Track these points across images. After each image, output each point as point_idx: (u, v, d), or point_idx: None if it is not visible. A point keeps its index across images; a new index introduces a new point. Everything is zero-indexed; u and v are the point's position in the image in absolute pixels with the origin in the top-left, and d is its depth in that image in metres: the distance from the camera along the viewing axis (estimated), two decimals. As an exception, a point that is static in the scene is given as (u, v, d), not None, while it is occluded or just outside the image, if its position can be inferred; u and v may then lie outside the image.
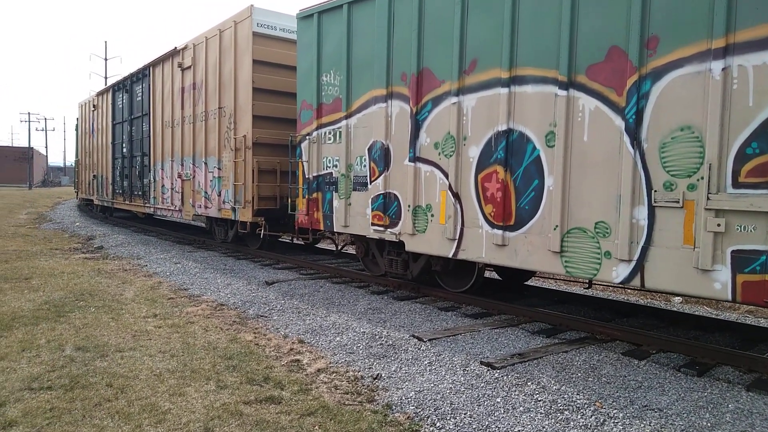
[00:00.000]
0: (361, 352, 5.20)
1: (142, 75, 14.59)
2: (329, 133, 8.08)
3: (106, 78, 50.96)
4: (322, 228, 8.35)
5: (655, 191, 4.71)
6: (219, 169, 10.86)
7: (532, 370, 4.59)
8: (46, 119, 73.98)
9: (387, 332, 5.69)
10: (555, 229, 5.36)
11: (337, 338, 5.63)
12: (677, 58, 4.62)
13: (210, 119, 11.13)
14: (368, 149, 7.45)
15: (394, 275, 7.78)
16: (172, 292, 7.79)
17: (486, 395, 4.12)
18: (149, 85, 14.06)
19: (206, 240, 13.03)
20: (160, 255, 11.08)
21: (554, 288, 8.25)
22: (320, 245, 12.40)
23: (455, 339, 5.48)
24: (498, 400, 4.04)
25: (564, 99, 5.28)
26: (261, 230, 9.97)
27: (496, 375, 4.49)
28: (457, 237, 6.32)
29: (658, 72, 4.72)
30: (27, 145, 65.48)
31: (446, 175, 6.41)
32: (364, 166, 7.53)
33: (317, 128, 8.25)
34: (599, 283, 7.11)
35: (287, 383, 4.41)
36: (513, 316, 6.41)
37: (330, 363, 4.95)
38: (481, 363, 4.76)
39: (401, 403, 4.06)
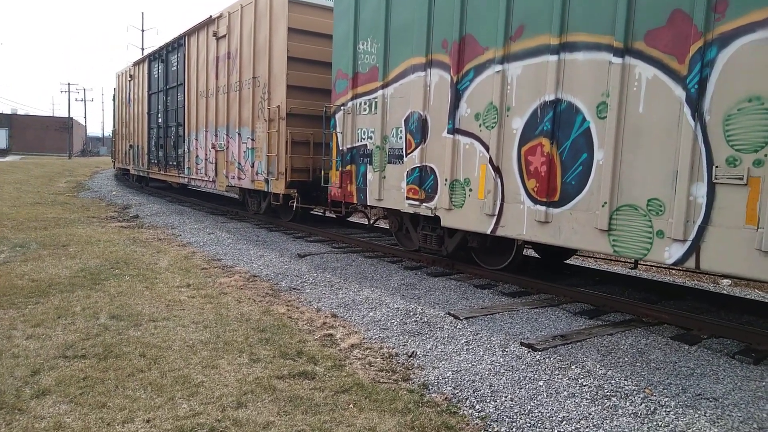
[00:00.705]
0: (395, 328, 5.06)
1: (177, 45, 14.53)
2: (365, 103, 7.85)
3: (142, 49, 51.55)
4: (355, 201, 8.19)
5: (717, 167, 4.35)
6: (252, 140, 10.77)
7: (575, 353, 4.37)
8: (85, 90, 75.69)
9: (421, 309, 5.52)
10: (603, 205, 5.06)
11: (371, 313, 5.50)
12: (748, 23, 4.20)
13: (244, 89, 11.00)
14: (405, 120, 7.20)
15: (429, 251, 7.59)
16: (206, 263, 7.79)
17: (527, 378, 3.93)
18: (184, 54, 13.99)
19: (239, 211, 13.05)
20: (194, 225, 11.13)
21: (595, 267, 7.94)
22: (351, 219, 12.27)
23: (493, 318, 5.28)
24: (540, 383, 3.84)
25: (619, 67, 4.91)
26: (294, 202, 9.87)
27: (538, 357, 4.29)
28: (497, 213, 6.07)
29: (726, 38, 4.31)
30: (67, 116, 67.09)
31: (487, 148, 6.13)
32: (400, 138, 7.29)
33: (352, 98, 8.02)
34: (649, 263, 6.78)
35: (320, 358, 4.30)
36: (553, 296, 6.16)
37: (363, 339, 4.83)
38: (522, 344, 4.55)
39: (438, 383, 3.91)
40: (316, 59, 9.76)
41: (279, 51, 9.66)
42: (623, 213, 4.97)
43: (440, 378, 3.97)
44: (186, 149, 14.25)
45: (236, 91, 11.31)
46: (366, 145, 7.86)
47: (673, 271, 8.12)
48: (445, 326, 5.03)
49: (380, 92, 7.53)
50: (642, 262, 6.62)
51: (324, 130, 8.65)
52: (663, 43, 4.66)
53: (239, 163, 11.41)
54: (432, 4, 6.68)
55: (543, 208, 5.59)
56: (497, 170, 6.03)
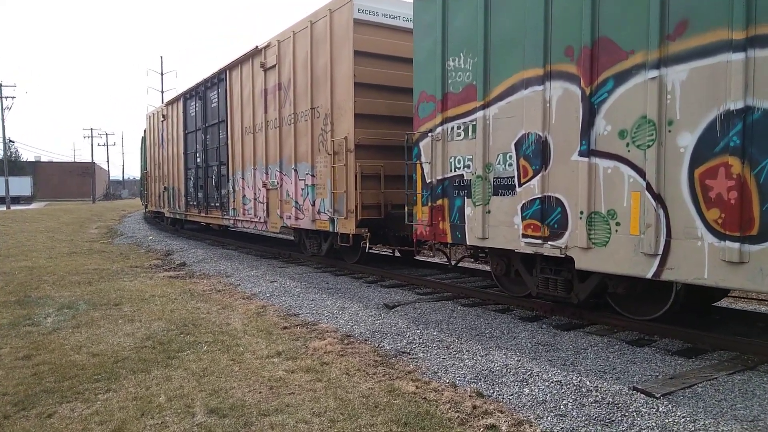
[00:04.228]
0: (574, 414, 3.85)
1: (217, 80, 13.78)
2: (458, 127, 6.79)
3: (162, 92, 51.78)
4: (449, 240, 7.05)
5: None
6: (312, 176, 9.77)
7: None
8: (107, 134, 76.51)
9: (590, 382, 4.31)
10: (838, 240, 3.86)
11: (525, 390, 4.30)
12: None
13: (300, 122, 10.06)
14: (515, 144, 6.10)
15: (550, 298, 6.39)
16: (283, 319, 6.67)
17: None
18: (226, 89, 13.21)
19: (292, 253, 11.99)
20: (249, 272, 10.07)
21: (751, 310, 6.63)
22: (420, 257, 11.12)
23: (695, 393, 4.05)
24: None
25: None
26: (366, 243, 8.77)
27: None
28: (661, 252, 4.88)
29: None
30: (88, 161, 67.69)
31: (640, 172, 4.99)
32: (510, 164, 6.19)
33: (442, 123, 6.98)
34: None
35: (509, 471, 3.11)
36: (737, 353, 4.91)
37: (543, 431, 3.63)
38: (773, 437, 3.32)
39: None
40: (386, 84, 8.80)
41: (343, 77, 8.72)
42: None
43: (706, 505, 2.75)
44: (231, 189, 13.33)
45: (290, 125, 10.38)
46: (462, 175, 6.77)
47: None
48: (642, 409, 3.81)
49: (480, 113, 6.47)
50: None
51: (406, 161, 7.59)
52: None
53: (296, 202, 10.39)
54: (550, 5, 5.66)
55: (735, 244, 4.39)
56: (658, 199, 4.87)
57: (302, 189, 10.16)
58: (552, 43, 5.67)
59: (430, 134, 7.15)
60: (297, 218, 10.44)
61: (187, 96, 16.16)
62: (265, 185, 11.53)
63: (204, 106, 14.86)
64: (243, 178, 12.61)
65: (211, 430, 3.57)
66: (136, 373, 4.68)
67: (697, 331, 5.34)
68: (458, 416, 3.89)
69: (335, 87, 8.96)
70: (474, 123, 6.56)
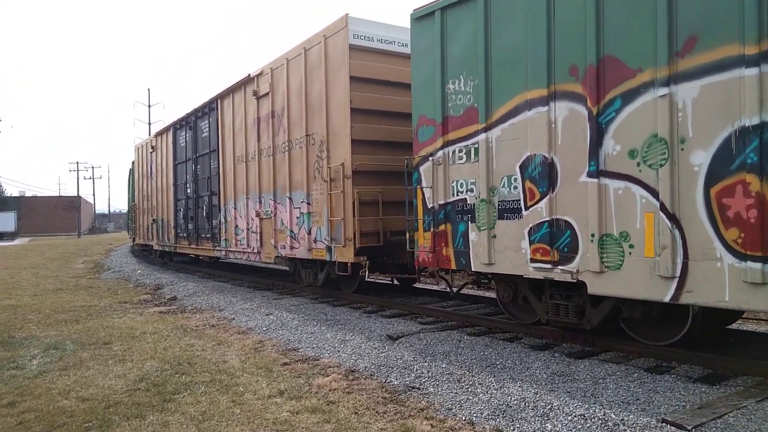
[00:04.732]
0: (603, 450, 3.59)
1: (208, 109, 13.63)
2: (460, 151, 6.64)
3: (149, 124, 51.68)
4: (453, 267, 6.83)
5: None
6: (308, 203, 9.55)
7: None
8: (93, 168, 75.74)
9: (615, 415, 4.06)
10: None
11: (548, 425, 4.04)
12: None
13: (294, 149, 9.89)
14: (520, 166, 5.95)
15: (561, 324, 6.16)
16: (283, 355, 6.36)
17: None
18: (217, 118, 13.05)
19: (286, 284, 11.68)
20: (244, 305, 9.74)
21: (764, 331, 6.44)
22: (418, 285, 10.85)
23: (728, 424, 3.82)
24: None
25: None
26: (364, 271, 8.52)
27: None
28: (678, 274, 4.70)
29: None
30: (74, 194, 66.90)
31: (653, 192, 4.84)
32: (515, 187, 6.03)
33: (443, 146, 6.83)
34: None
35: None
36: (762, 378, 4.69)
37: (572, 472, 3.36)
38: (823, 472, 3.09)
39: None
40: (382, 109, 8.69)
41: (339, 103, 8.59)
42: None
43: None
44: (222, 219, 13.05)
45: (284, 152, 10.21)
46: (465, 199, 6.59)
47: None
48: (676, 443, 3.57)
49: (482, 136, 6.33)
50: None
51: (407, 186, 7.41)
52: None
53: (291, 231, 10.14)
54: (552, 23, 5.58)
55: (757, 265, 4.22)
56: (673, 219, 4.71)
57: (297, 217, 9.93)
58: (555, 63, 5.58)
59: (430, 158, 6.99)
60: (292, 247, 10.17)
61: (177, 126, 15.98)
62: (258, 215, 11.28)
63: (195, 136, 14.68)
64: (235, 208, 12.36)
65: (215, 483, 3.26)
66: (129, 419, 4.35)
67: (717, 356, 5.13)
68: (480, 457, 3.61)
69: (331, 113, 8.82)
70: (476, 146, 6.42)
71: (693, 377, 4.86)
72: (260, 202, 11.22)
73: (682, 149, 4.66)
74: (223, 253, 13.23)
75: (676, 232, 4.71)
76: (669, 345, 5.43)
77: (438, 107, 6.84)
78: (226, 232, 12.90)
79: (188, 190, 15.29)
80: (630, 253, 5.04)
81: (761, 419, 3.86)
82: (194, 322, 8.56)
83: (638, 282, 4.99)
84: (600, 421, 3.98)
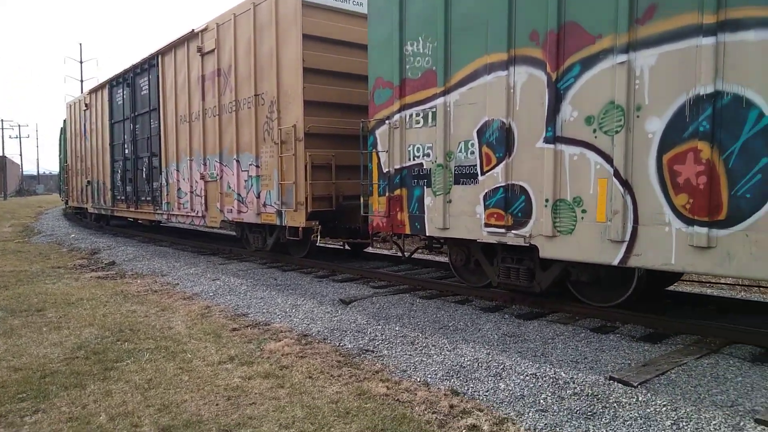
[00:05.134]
0: (555, 408, 3.69)
1: (148, 66, 12.83)
2: (417, 114, 6.52)
3: (81, 81, 48.61)
4: (408, 231, 6.79)
5: None
6: (257, 167, 9.22)
7: None
8: (20, 126, 70.68)
9: (565, 373, 4.17)
10: (805, 223, 3.90)
11: (501, 384, 4.10)
12: None
13: (242, 109, 9.47)
14: (478, 131, 5.91)
15: (511, 287, 6.25)
16: (231, 320, 6.18)
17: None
18: (158, 76, 12.31)
19: (233, 249, 11.36)
20: (188, 270, 9.41)
21: (698, 292, 6.78)
22: (370, 250, 10.81)
23: (671, 380, 3.99)
24: None
25: (817, 44, 3.81)
26: (316, 236, 8.36)
27: (804, 445, 3.01)
28: (627, 238, 4.83)
29: None
30: (0, 154, 62.42)
31: (607, 159, 4.91)
32: (472, 152, 5.99)
33: (400, 110, 6.69)
34: None
35: (504, 477, 2.87)
36: (699, 337, 4.94)
37: (527, 430, 3.43)
38: (757, 421, 3.28)
39: None
40: (337, 70, 8.41)
41: (291, 62, 8.24)
42: (836, 231, 3.82)
43: (712, 500, 2.62)
44: (164, 182, 12.47)
45: (231, 113, 9.77)
46: (422, 164, 6.51)
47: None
48: (622, 399, 3.70)
49: (440, 100, 6.23)
50: None
51: (361, 150, 7.24)
52: None
53: (239, 195, 9.80)
54: (514, -12, 5.48)
55: (703, 230, 4.38)
56: (626, 185, 4.81)
57: (245, 181, 9.58)
58: (516, 27, 5.50)
59: (387, 122, 6.84)
60: (240, 212, 9.85)
61: (114, 83, 15.00)
62: (203, 177, 10.83)
63: (133, 94, 13.83)
64: (178, 170, 11.81)
65: (166, 451, 3.11)
66: (68, 389, 4.09)
67: (657, 317, 5.36)
68: (436, 418, 3.62)
69: (282, 73, 8.46)
70: (434, 110, 6.31)
71: (636, 336, 5.06)
72: (205, 165, 10.75)
73: (638, 116, 4.73)
74: (165, 216, 12.69)
75: (628, 198, 4.81)
76: (613, 306, 5.62)
77: (395, 69, 6.66)
78: (168, 195, 12.35)
79: (126, 151, 14.48)
80: (582, 218, 5.14)
81: (700, 375, 4.06)
82: (135, 288, 8.19)
83: (589, 246, 5.10)
84: (551, 380, 4.07)
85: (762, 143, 4.10)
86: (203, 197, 10.90)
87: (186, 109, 11.25)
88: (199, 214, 11.12)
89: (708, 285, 7.53)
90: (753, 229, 4.16)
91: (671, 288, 6.70)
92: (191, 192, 11.34)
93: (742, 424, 3.27)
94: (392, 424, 3.49)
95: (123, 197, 14.96)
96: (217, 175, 10.36)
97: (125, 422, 3.46)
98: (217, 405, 3.74)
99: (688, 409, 3.50)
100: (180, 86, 11.44)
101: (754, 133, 4.14)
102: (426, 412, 3.70)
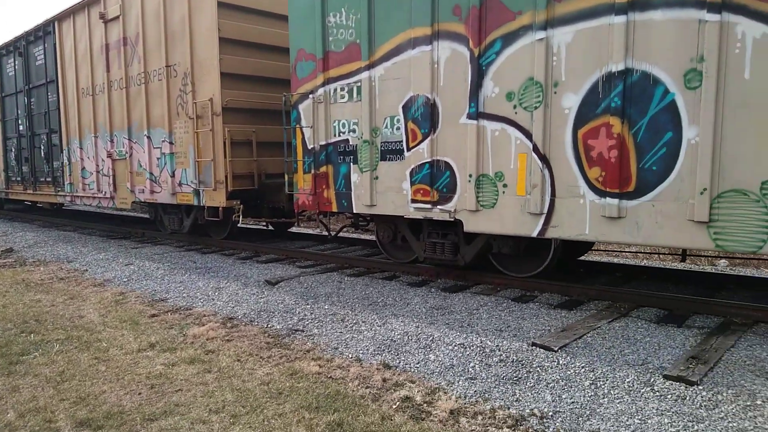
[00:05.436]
0: (483, 375, 3.81)
1: (43, 33, 11.68)
2: (342, 89, 6.40)
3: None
4: (335, 209, 6.71)
5: None
6: (170, 143, 8.72)
7: (741, 381, 3.45)
8: None
9: (491, 342, 4.33)
10: (702, 193, 4.23)
11: (430, 356, 4.19)
12: None
13: (152, 82, 8.88)
14: (403, 107, 5.90)
15: (437, 262, 6.37)
16: (149, 306, 5.86)
17: (729, 429, 2.92)
18: (55, 44, 11.24)
19: (146, 232, 10.76)
20: (97, 255, 8.80)
21: (607, 261, 7.25)
22: (294, 229, 10.62)
23: (587, 343, 4.24)
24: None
25: (715, 26, 4.10)
26: (238, 216, 8.08)
27: (702, 393, 3.31)
28: (546, 211, 5.04)
29: None
30: None
31: (527, 134, 5.07)
32: (398, 128, 5.99)
33: (324, 84, 6.53)
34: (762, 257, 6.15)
35: (438, 445, 2.94)
36: (610, 302, 5.29)
37: (458, 398, 3.52)
38: (666, 377, 3.56)
39: (633, 460, 2.75)
40: (257, 41, 8.06)
41: (206, 31, 7.79)
42: (728, 200, 4.18)
43: (629, 451, 2.82)
44: (65, 161, 11.51)
45: (140, 85, 9.13)
46: (347, 140, 6.43)
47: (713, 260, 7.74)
48: (545, 364, 3.89)
49: (365, 74, 6.14)
50: (757, 256, 5.98)
51: (284, 126, 7.02)
52: (772, -4, 3.92)
53: (151, 173, 9.24)
54: (437, -38, 5.46)
55: (615, 201, 4.66)
56: (544, 159, 5.00)
57: (158, 158, 9.05)
58: (440, 2, 5.50)
59: (310, 96, 6.67)
60: (153, 192, 9.31)
61: (3, 52, 13.55)
62: (110, 155, 10.11)
63: (26, 64, 12.57)
64: (81, 148, 10.95)
65: (84, 447, 2.90)
66: (-35, 387, 3.71)
67: (572, 285, 5.67)
68: (370, 392, 3.64)
69: (196, 42, 7.99)
70: (359, 84, 6.22)
71: (554, 304, 5.33)
72: (112, 141, 10.03)
73: (555, 93, 4.90)
74: (69, 199, 11.76)
75: (546, 172, 5.01)
76: (532, 276, 5.88)
77: (318, 41, 6.48)
78: (70, 175, 11.43)
79: (20, 127, 13.21)
80: (504, 192, 5.30)
81: (613, 337, 4.35)
82: (38, 276, 7.56)
83: (510, 219, 5.28)
84: (478, 348, 4.21)
85: (667, 118, 4.39)
86: (111, 177, 10.18)
87: (88, 81, 10.39)
88: (107, 195, 10.40)
89: (614, 254, 8.08)
90: (658, 200, 4.47)
91: (583, 258, 7.11)
92: (97, 171, 10.57)
93: (652, 380, 3.54)
94: (326, 401, 3.46)
95: (19, 178, 13.68)
96: (126, 152, 9.70)
97: (37, 418, 3.19)
98: (139, 394, 3.53)
99: (604, 369, 3.74)
100: (81, 56, 10.53)
101: (660, 108, 4.42)
102: (360, 388, 3.71)
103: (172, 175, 8.79)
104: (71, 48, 10.75)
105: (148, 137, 9.16)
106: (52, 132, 11.87)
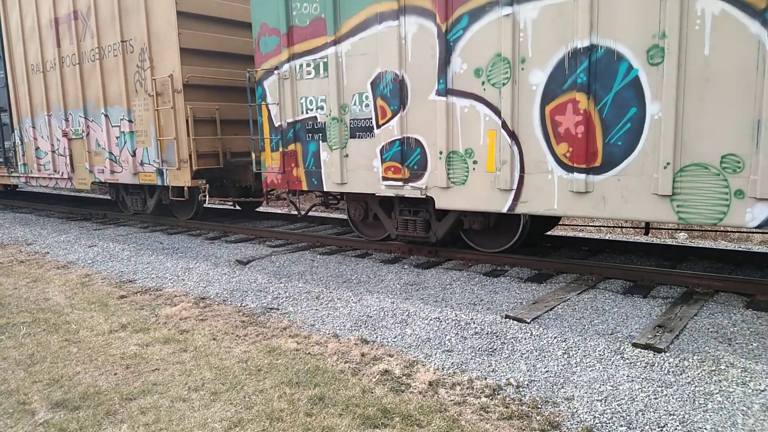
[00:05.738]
0: (460, 348, 3.92)
1: (-16, 3, 11.01)
2: (308, 65, 6.31)
3: None
4: (305, 188, 6.67)
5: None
6: (129, 121, 8.44)
7: (705, 348, 3.65)
8: None
9: (465, 315, 4.44)
10: (666, 167, 4.40)
11: (408, 330, 4.27)
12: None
13: (108, 57, 8.53)
14: (372, 83, 5.87)
15: (409, 239, 6.43)
16: (117, 287, 5.75)
17: (695, 393, 3.11)
18: (-1, 16, 10.65)
19: (108, 213, 10.46)
20: (58, 237, 8.52)
21: (573, 236, 7.46)
22: (262, 209, 10.51)
23: (558, 315, 4.40)
24: (717, 397, 3.05)
25: (676, 3, 4.21)
26: (204, 196, 7.93)
27: (669, 360, 3.50)
28: (515, 187, 5.15)
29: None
30: None
31: (495, 111, 5.13)
32: (367, 105, 5.96)
33: (289, 59, 6.42)
34: (726, 229, 6.38)
35: (419, 416, 3.02)
36: (578, 275, 5.47)
37: (436, 370, 3.62)
38: (635, 345, 3.73)
39: (605, 425, 2.90)
40: (218, 16, 7.82)
41: (163, 4, 7.51)
42: (690, 174, 4.36)
43: (599, 417, 2.97)
44: (17, 140, 11.02)
45: (94, 61, 8.77)
46: (316, 117, 6.36)
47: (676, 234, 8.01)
48: (519, 335, 4.02)
49: (331, 50, 6.07)
50: (717, 228, 6.21)
51: (249, 103, 6.88)
52: (731, -26, 4.05)
53: (110, 153, 8.95)
54: (404, -64, 5.40)
55: (582, 176, 4.79)
56: (513, 136, 5.08)
57: (117, 137, 8.76)
58: (407, -24, 5.45)
59: (276, 72, 6.55)
60: (113, 171, 9.03)
61: (-60, 24, 12.72)
62: (65, 134, 9.72)
63: (-32, 38, 11.85)
64: (34, 127, 10.48)
65: (64, 428, 2.85)
66: (-72, 376, 3.58)
67: (540, 259, 5.83)
68: (349, 366, 3.69)
69: (152, 16, 7.70)
70: (325, 60, 6.14)
71: (524, 278, 5.49)
72: (67, 120, 9.64)
73: (523, 69, 4.96)
74: (23, 180, 11.29)
75: (515, 148, 5.10)
76: (502, 252, 6.02)
77: (281, 15, 6.34)
78: (24, 155, 10.96)
79: (-34, 106, 12.51)
80: (474, 169, 5.37)
81: (582, 308, 4.52)
82: (-4, 261, 7.28)
83: (480, 195, 5.37)
84: (453, 322, 4.31)
85: (631, 94, 4.51)
86: (68, 157, 9.81)
87: (38, 57, 9.91)
88: (65, 176, 10.03)
89: (579, 229, 8.32)
90: (623, 174, 4.62)
91: (550, 232, 7.30)
92: (53, 151, 10.16)
93: (622, 348, 3.70)
94: (306, 376, 3.50)
95: (-34, 159, 13.01)
96: (83, 131, 9.35)
97: (10, 400, 3.12)
98: (115, 374, 3.49)
99: (575, 339, 3.89)
100: (29, 31, 10.00)
101: (624, 84, 4.53)
102: (339, 362, 3.76)
103: (133, 155, 8.53)
104: (17, 22, 10.19)
105: (106, 115, 8.84)
106: (2, 111, 11.31)
